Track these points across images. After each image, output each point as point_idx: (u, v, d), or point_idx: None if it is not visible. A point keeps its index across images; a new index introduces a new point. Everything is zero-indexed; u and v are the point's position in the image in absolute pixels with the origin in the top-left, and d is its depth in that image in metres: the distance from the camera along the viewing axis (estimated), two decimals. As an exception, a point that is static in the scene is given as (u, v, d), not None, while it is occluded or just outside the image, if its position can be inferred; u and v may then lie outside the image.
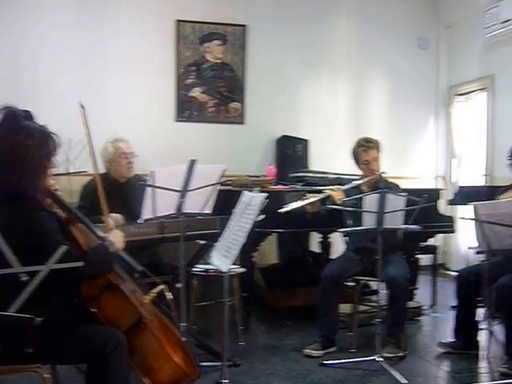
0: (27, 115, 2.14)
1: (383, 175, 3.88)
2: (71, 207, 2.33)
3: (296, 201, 3.73)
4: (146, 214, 2.88)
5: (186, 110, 5.66)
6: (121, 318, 2.19)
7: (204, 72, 5.68)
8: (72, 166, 4.44)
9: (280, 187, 4.45)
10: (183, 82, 5.64)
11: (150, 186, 2.81)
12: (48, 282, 1.72)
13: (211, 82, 5.71)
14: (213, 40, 5.68)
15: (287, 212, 3.66)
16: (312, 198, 3.68)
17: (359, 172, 4.06)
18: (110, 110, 5.29)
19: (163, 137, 5.42)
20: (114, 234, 2.33)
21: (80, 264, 1.75)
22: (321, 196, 3.71)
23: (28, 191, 2.05)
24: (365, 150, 3.83)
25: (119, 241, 2.31)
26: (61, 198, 2.28)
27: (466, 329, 3.66)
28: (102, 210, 2.50)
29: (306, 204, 3.68)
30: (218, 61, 5.72)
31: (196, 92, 5.67)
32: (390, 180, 3.95)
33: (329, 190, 3.73)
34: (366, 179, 3.82)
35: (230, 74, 5.76)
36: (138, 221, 2.98)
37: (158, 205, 2.87)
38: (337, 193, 3.70)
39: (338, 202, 3.58)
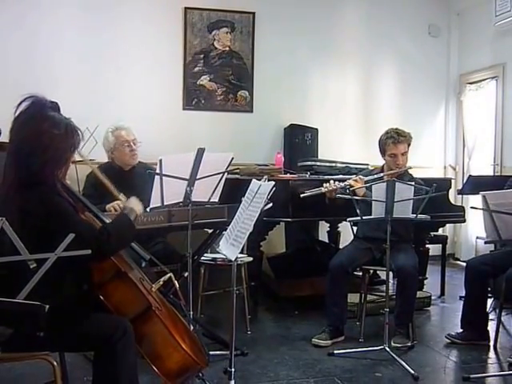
0: (54, 106, 2.15)
1: (409, 170, 3.80)
2: (79, 196, 2.33)
3: (317, 187, 3.72)
4: (154, 202, 2.87)
5: (194, 99, 5.63)
6: (129, 306, 2.19)
7: (212, 60, 5.65)
8: (78, 154, 4.42)
9: (288, 176, 4.43)
10: (191, 70, 5.60)
11: (158, 174, 2.80)
12: (58, 268, 1.71)
13: (219, 70, 5.68)
14: (221, 27, 5.64)
15: (306, 197, 3.64)
16: (333, 186, 3.66)
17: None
18: (118, 98, 5.29)
19: (171, 125, 5.41)
20: (131, 202, 2.35)
21: (87, 252, 1.74)
22: (342, 184, 3.66)
23: (47, 180, 2.06)
24: (394, 142, 3.69)
25: (137, 207, 2.33)
26: (69, 187, 2.29)
27: (474, 319, 3.64)
28: (111, 192, 2.51)
29: (327, 192, 3.65)
30: (227, 48, 5.68)
31: (204, 80, 5.64)
32: (411, 173, 3.86)
33: (351, 180, 3.67)
34: (389, 172, 3.72)
35: (238, 61, 5.72)
36: (147, 209, 2.97)
37: (165, 193, 2.86)
38: (358, 183, 3.64)
39: (361, 194, 3.53)
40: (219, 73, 5.68)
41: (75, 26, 5.23)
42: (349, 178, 3.82)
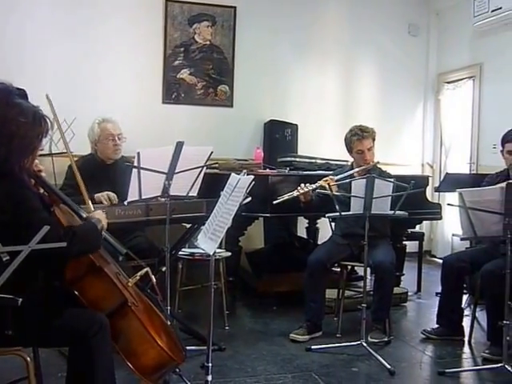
0: (22, 94, 2.09)
1: (377, 165, 3.82)
2: (54, 188, 2.29)
3: (290, 189, 3.70)
4: (132, 196, 2.84)
5: (174, 92, 5.58)
6: (104, 301, 2.16)
7: (192, 53, 5.60)
8: (56, 147, 4.36)
9: (268, 171, 4.42)
10: (171, 64, 5.55)
11: (135, 167, 2.77)
12: (30, 262, 1.68)
13: (200, 64, 5.63)
14: (202, 21, 5.59)
15: (280, 203, 3.63)
16: (305, 189, 3.65)
17: (348, 158, 4.03)
18: (96, 90, 5.21)
19: (150, 118, 5.35)
20: (98, 214, 2.31)
21: (63, 244, 1.71)
22: (313, 187, 3.66)
23: (13, 169, 2.00)
24: (359, 139, 3.74)
25: (104, 219, 2.29)
26: (44, 179, 2.24)
27: (449, 315, 3.69)
28: (83, 196, 2.48)
29: (299, 195, 3.64)
30: (207, 42, 5.64)
31: (184, 74, 5.60)
32: (384, 169, 3.91)
33: (322, 181, 3.66)
34: (358, 169, 3.76)
35: (219, 56, 5.69)
36: (124, 203, 2.94)
37: (143, 187, 2.83)
38: (332, 185, 3.63)
39: (333, 192, 3.53)
40: (199, 67, 5.64)
41: (52, 17, 5.13)
42: (325, 176, 3.84)
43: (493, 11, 5.33)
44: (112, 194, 3.25)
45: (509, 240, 2.92)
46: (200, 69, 5.64)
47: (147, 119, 5.34)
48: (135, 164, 2.77)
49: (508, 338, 3.02)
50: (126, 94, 5.33)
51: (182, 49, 5.56)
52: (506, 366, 2.96)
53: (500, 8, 5.23)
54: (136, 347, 2.14)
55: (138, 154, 2.77)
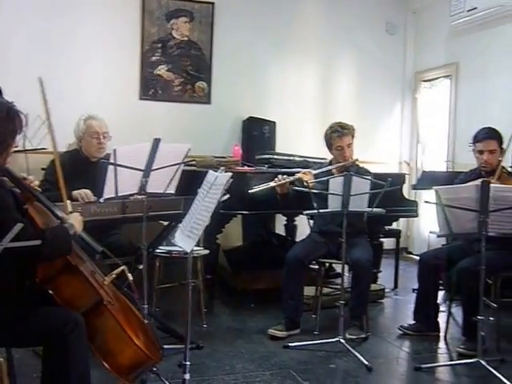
0: None
1: (356, 162, 3.84)
2: (28, 185, 2.24)
3: (266, 182, 3.70)
4: (108, 193, 2.81)
5: (151, 89, 5.53)
6: (80, 300, 2.14)
7: (170, 49, 5.56)
8: (29, 143, 4.28)
9: (246, 168, 4.41)
10: (148, 59, 5.50)
11: (111, 164, 2.73)
12: (1, 261, 1.64)
13: (177, 60, 5.59)
14: (180, 17, 5.54)
15: (256, 192, 3.63)
16: (282, 180, 3.65)
17: (327, 155, 4.05)
18: (72, 86, 5.14)
19: (127, 115, 5.28)
20: (74, 217, 2.27)
21: (37, 242, 1.68)
22: (291, 179, 3.67)
23: None
24: (339, 135, 3.75)
25: (78, 224, 2.25)
26: (17, 176, 2.20)
27: (426, 311, 3.73)
28: (62, 193, 2.44)
29: (276, 185, 3.65)
30: (185, 38, 5.59)
31: (161, 70, 5.55)
32: (362, 166, 3.93)
33: (300, 174, 3.68)
34: (338, 165, 3.77)
35: (197, 52, 5.65)
36: (100, 200, 2.91)
37: (120, 184, 2.80)
38: (308, 176, 3.66)
39: (310, 187, 3.53)
40: (177, 63, 5.59)
41: (26, 11, 5.03)
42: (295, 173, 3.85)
43: (469, 11, 5.38)
44: (88, 192, 3.20)
45: (483, 237, 2.95)
46: (178, 65, 5.60)
47: (124, 115, 5.27)
48: (111, 161, 2.74)
49: (482, 333, 3.06)
50: (102, 89, 5.26)
51: (160, 44, 5.51)
52: (481, 361, 3.00)
53: (475, 8, 5.28)
54: (112, 346, 2.12)
55: (115, 150, 2.74)
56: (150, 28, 5.47)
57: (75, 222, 2.24)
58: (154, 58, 5.51)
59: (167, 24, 5.52)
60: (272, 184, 3.65)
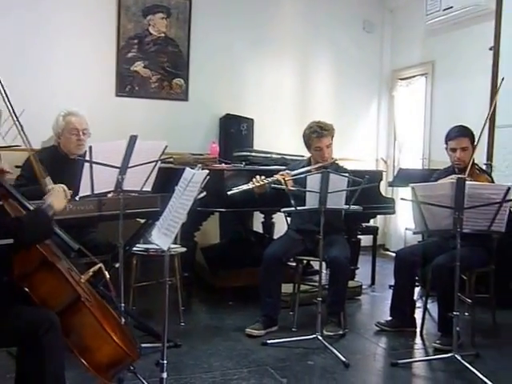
0: None
1: (339, 162, 3.84)
2: (2, 182, 2.20)
3: (245, 183, 3.68)
4: (84, 190, 2.77)
5: (128, 85, 5.48)
6: (57, 297, 2.11)
7: (147, 46, 5.51)
8: (3, 140, 4.20)
9: (223, 166, 4.40)
10: (125, 56, 5.44)
11: (87, 161, 2.70)
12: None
13: (154, 57, 5.55)
14: (156, 13, 5.50)
15: (235, 194, 3.61)
16: (261, 182, 3.63)
17: (304, 153, 4.04)
18: (47, 82, 5.07)
19: (103, 112, 5.21)
20: (54, 194, 2.24)
21: (10, 241, 1.65)
22: (269, 180, 3.65)
23: None
24: (318, 136, 3.71)
25: (59, 201, 2.22)
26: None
27: (402, 307, 3.76)
28: (38, 177, 2.40)
29: (254, 187, 3.63)
30: (162, 35, 5.55)
31: (138, 66, 5.50)
32: (341, 164, 3.91)
33: (279, 176, 3.64)
34: (317, 165, 3.73)
35: (174, 49, 5.61)
36: (76, 198, 2.87)
37: (96, 181, 2.76)
38: (287, 180, 3.61)
39: (288, 188, 3.51)
40: (154, 59, 5.55)
41: (1, 6, 4.94)
42: (280, 170, 3.84)
43: (444, 10, 5.45)
44: (64, 186, 3.15)
45: (458, 234, 2.99)
46: (154, 61, 5.55)
47: (100, 112, 5.19)
48: (87, 158, 2.70)
49: (458, 329, 3.10)
50: (77, 85, 5.19)
51: (136, 41, 5.46)
52: (456, 356, 3.04)
53: (451, 7, 5.35)
54: (90, 343, 2.10)
55: (90, 147, 2.70)
56: (126, 24, 5.41)
57: (55, 198, 2.22)
58: (130, 55, 5.46)
59: (144, 20, 5.47)
60: (250, 186, 3.63)
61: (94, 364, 2.09)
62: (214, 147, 4.95)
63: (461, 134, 3.61)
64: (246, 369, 3.06)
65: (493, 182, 3.61)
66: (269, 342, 3.42)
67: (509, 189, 2.91)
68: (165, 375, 2.34)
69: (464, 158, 3.59)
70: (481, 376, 2.89)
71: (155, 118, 5.48)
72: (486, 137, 4.64)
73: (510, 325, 3.88)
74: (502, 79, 3.59)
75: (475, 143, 3.60)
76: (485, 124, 3.54)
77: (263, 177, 3.66)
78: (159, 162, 3.03)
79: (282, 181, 3.52)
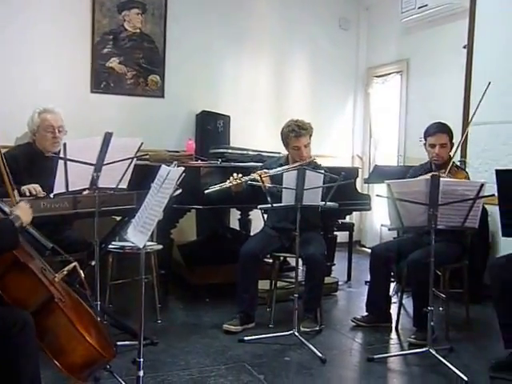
0: None
1: (316, 158, 3.83)
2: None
3: (222, 180, 3.67)
4: (58, 188, 2.74)
5: (103, 81, 5.42)
6: (29, 298, 2.08)
7: (122, 42, 5.45)
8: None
9: (199, 163, 4.39)
10: (100, 52, 5.37)
11: (61, 158, 2.67)
12: None
13: (129, 53, 5.48)
14: (131, 8, 5.44)
15: (212, 193, 3.60)
16: (238, 180, 3.62)
17: (281, 149, 4.05)
18: (20, 79, 4.98)
19: (78, 108, 5.14)
20: (21, 208, 2.20)
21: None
22: (246, 179, 3.64)
23: None
24: (296, 136, 3.69)
25: (26, 214, 2.19)
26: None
27: (378, 303, 3.80)
28: (7, 186, 2.36)
29: (232, 186, 3.61)
30: (137, 30, 5.49)
31: (113, 62, 5.43)
32: (318, 162, 3.90)
33: (256, 175, 3.61)
34: (294, 165, 3.68)
35: (150, 45, 5.56)
36: (50, 195, 2.83)
37: (70, 179, 2.73)
38: (264, 177, 3.59)
39: (265, 185, 3.50)
40: (129, 55, 5.49)
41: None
42: (257, 167, 3.85)
43: (419, 8, 5.51)
44: (37, 186, 3.12)
45: (433, 230, 3.03)
46: (130, 57, 5.50)
47: (75, 109, 5.12)
48: (61, 155, 2.67)
49: (432, 323, 3.15)
50: (51, 82, 5.11)
51: (111, 36, 5.40)
52: (431, 350, 3.08)
53: (426, 5, 5.41)
54: (63, 345, 2.08)
55: (65, 144, 2.67)
56: (100, 19, 5.34)
57: (22, 212, 2.18)
58: (105, 50, 5.40)
59: (119, 15, 5.41)
60: (227, 184, 3.61)
61: (67, 365, 2.07)
62: (190, 144, 4.93)
63: (440, 131, 3.66)
64: (223, 365, 3.06)
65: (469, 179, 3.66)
66: (246, 338, 3.42)
67: (482, 185, 2.96)
68: (141, 373, 2.34)
69: (442, 155, 3.64)
70: (454, 369, 2.94)
71: (131, 115, 5.43)
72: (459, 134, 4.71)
73: (483, 319, 3.95)
74: (489, 84, 3.62)
75: (461, 140, 3.63)
76: (469, 122, 3.59)
77: (240, 175, 3.65)
78: (135, 159, 3.01)
79: (259, 179, 3.51)
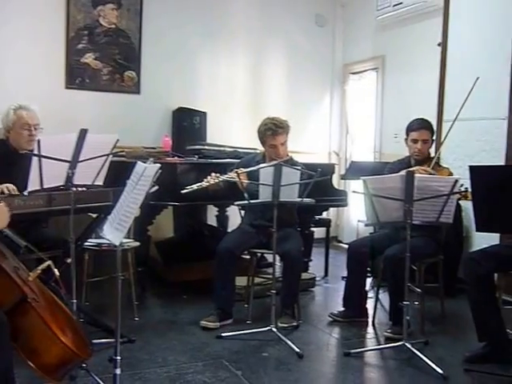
0: None
1: (293, 155, 3.82)
2: None
3: (198, 177, 3.65)
4: (32, 185, 2.70)
5: (78, 77, 5.35)
6: (2, 298, 2.05)
7: (97, 37, 5.38)
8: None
9: (176, 159, 4.37)
10: (74, 47, 5.30)
11: (36, 155, 2.63)
12: None
13: (105, 49, 5.42)
14: (106, 3, 5.37)
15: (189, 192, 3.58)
16: (215, 179, 3.61)
17: (258, 146, 4.05)
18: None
19: (52, 104, 5.04)
20: None
21: None
22: (223, 178, 3.63)
23: None
24: (273, 134, 3.69)
25: (1, 220, 2.14)
26: None
27: (355, 298, 3.83)
28: None
29: (209, 185, 3.60)
30: (113, 26, 5.43)
31: (89, 58, 5.37)
32: (295, 160, 3.91)
33: (233, 173, 3.60)
34: (271, 163, 3.63)
35: (126, 40, 5.50)
36: (24, 193, 2.79)
37: (45, 176, 2.70)
38: (241, 176, 3.57)
39: (243, 185, 3.48)
40: (105, 51, 5.43)
41: None
42: (233, 163, 3.86)
43: (394, 6, 5.57)
44: (11, 186, 3.06)
45: (408, 225, 3.07)
46: (105, 53, 5.44)
47: (49, 105, 5.02)
48: (35, 152, 2.63)
49: (408, 318, 3.19)
50: (25, 77, 5.03)
51: (86, 32, 5.32)
52: (406, 344, 3.12)
53: (401, 3, 5.47)
54: (37, 345, 2.05)
55: (39, 141, 2.64)
56: (75, 14, 5.27)
57: None
58: (80, 46, 5.33)
59: (94, 11, 5.34)
60: (204, 184, 3.60)
61: (41, 366, 2.05)
62: (166, 141, 4.91)
63: (423, 127, 3.71)
64: (200, 362, 3.06)
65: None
66: (223, 334, 3.42)
67: (456, 181, 3.00)
68: (118, 371, 2.32)
69: (423, 150, 3.70)
70: (429, 362, 2.98)
71: (107, 112, 5.37)
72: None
73: (458, 312, 4.01)
74: (477, 78, 3.65)
75: (445, 136, 3.67)
76: (455, 119, 3.63)
77: (218, 174, 3.64)
78: (111, 155, 2.98)
79: (237, 178, 3.50)
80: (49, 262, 2.27)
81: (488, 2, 4.54)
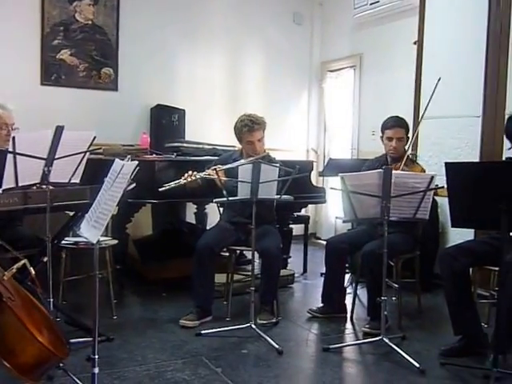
0: None
1: (271, 152, 3.85)
2: None
3: (176, 175, 3.63)
4: (7, 183, 2.66)
5: (54, 74, 5.28)
6: (-24, 298, 2.02)
7: (73, 33, 5.31)
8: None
9: (154, 157, 4.35)
10: (50, 43, 5.23)
11: (11, 152, 2.60)
12: None
13: (81, 45, 5.36)
14: (83, -1, 5.33)
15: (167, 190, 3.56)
16: (192, 177, 3.59)
17: (236, 143, 4.05)
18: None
19: (27, 101, 4.96)
20: None
21: None
22: (201, 175, 3.62)
23: None
24: (249, 130, 3.69)
25: None
26: None
27: (333, 294, 3.86)
28: None
29: (186, 183, 3.59)
30: (89, 22, 5.38)
31: (64, 54, 5.30)
32: (273, 156, 3.92)
33: (210, 171, 3.60)
34: (248, 160, 3.65)
35: (102, 37, 5.45)
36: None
37: (20, 173, 2.66)
38: (219, 173, 3.56)
39: (222, 182, 3.48)
40: (81, 47, 5.37)
41: None
42: (212, 161, 3.86)
43: (371, 4, 5.61)
44: None
45: (386, 221, 3.10)
46: (82, 50, 5.38)
47: (24, 102, 4.94)
48: (10, 149, 2.60)
49: (385, 313, 3.23)
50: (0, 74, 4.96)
51: (62, 28, 5.26)
52: (384, 339, 3.16)
53: (378, 2, 5.51)
54: (13, 345, 2.03)
55: (13, 138, 2.60)
56: (50, 10, 5.20)
57: None
58: (55, 42, 5.26)
59: (70, 6, 5.28)
60: (182, 182, 3.59)
61: (17, 366, 2.03)
62: (144, 138, 4.88)
63: (398, 125, 3.74)
64: (180, 360, 3.05)
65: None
66: (203, 332, 3.42)
67: (432, 178, 3.04)
68: (96, 370, 2.30)
69: (399, 148, 3.73)
70: (407, 357, 3.02)
71: (83, 109, 5.31)
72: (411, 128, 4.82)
73: (434, 307, 4.07)
74: (439, 79, 3.71)
75: (413, 135, 3.72)
76: (420, 120, 3.68)
77: (195, 172, 3.63)
78: (88, 153, 2.96)
79: (215, 175, 3.49)
80: (24, 261, 2.24)
81: (462, 1, 4.60)
